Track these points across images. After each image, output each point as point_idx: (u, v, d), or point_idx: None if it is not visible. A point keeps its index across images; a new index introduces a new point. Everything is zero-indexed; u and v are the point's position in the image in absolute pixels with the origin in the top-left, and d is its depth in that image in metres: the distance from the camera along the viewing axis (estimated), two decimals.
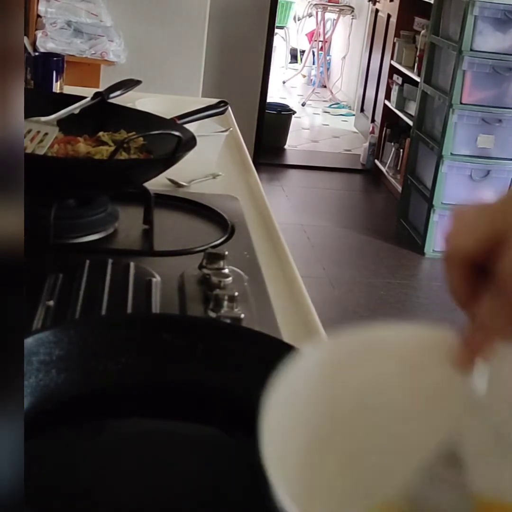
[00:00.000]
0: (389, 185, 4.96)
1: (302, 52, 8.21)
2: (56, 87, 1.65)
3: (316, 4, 7.33)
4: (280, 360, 0.69)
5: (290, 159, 5.48)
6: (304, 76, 7.97)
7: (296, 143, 5.81)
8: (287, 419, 0.48)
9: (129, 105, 1.35)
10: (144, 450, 0.65)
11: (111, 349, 0.69)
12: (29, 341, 0.65)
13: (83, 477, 0.61)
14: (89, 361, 0.68)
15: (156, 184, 1.19)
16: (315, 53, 7.66)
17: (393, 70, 5.01)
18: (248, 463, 0.65)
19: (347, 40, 7.20)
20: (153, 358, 0.70)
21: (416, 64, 4.56)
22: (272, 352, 0.70)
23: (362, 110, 6.02)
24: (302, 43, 8.23)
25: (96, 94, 1.27)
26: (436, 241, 3.95)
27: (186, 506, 0.60)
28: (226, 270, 0.96)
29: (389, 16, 5.33)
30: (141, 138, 1.18)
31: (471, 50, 3.68)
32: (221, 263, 0.98)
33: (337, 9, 7.20)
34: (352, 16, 7.07)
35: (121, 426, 0.68)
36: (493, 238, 0.46)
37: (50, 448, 0.63)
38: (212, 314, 0.87)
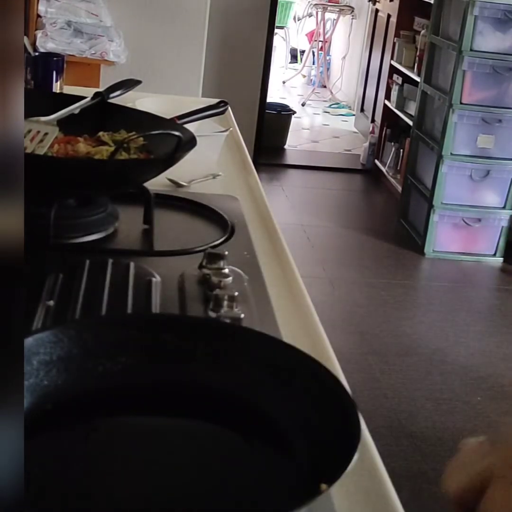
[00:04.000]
0: (389, 185, 4.96)
1: (302, 52, 8.21)
2: (56, 87, 1.65)
3: (316, 4, 7.33)
4: (280, 360, 0.69)
5: (290, 159, 5.48)
6: (304, 76, 7.97)
7: (296, 143, 5.81)
8: None
9: (129, 105, 1.35)
10: (144, 450, 0.65)
11: (111, 349, 0.69)
12: (29, 341, 0.65)
13: (83, 477, 0.61)
14: (89, 361, 0.68)
15: (156, 184, 1.19)
16: (315, 53, 7.66)
17: (393, 70, 5.01)
18: (248, 461, 0.65)
19: (347, 40, 7.20)
20: (153, 358, 0.70)
21: (416, 64, 4.56)
22: (272, 352, 0.70)
23: (362, 110, 6.02)
24: (302, 43, 8.23)
25: (96, 94, 1.27)
26: (436, 241, 3.95)
27: (187, 505, 0.60)
28: (226, 270, 0.96)
29: (389, 16, 5.33)
30: (141, 138, 1.17)
31: (471, 50, 3.68)
32: (221, 263, 0.98)
33: (337, 9, 7.20)
34: (352, 16, 7.07)
35: (121, 426, 0.68)
36: (482, 479, 0.52)
37: (50, 448, 0.63)
38: (212, 314, 0.87)
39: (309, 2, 7.60)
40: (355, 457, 0.56)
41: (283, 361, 0.69)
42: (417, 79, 4.33)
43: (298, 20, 8.16)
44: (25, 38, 2.26)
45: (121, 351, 0.70)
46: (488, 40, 3.69)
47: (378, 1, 5.71)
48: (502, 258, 3.97)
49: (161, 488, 0.60)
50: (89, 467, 0.62)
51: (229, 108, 1.45)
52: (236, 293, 0.89)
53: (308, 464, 0.62)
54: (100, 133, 1.21)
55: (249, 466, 0.64)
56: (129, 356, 0.70)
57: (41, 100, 1.23)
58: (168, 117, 1.24)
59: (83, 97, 1.26)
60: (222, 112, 1.35)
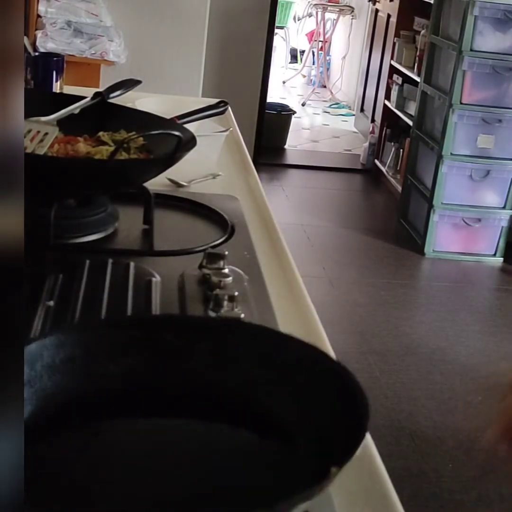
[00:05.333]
0: (389, 185, 4.96)
1: (302, 52, 8.21)
2: (56, 87, 1.65)
3: (316, 4, 7.33)
4: (281, 353, 0.69)
5: (290, 159, 5.47)
6: (304, 76, 7.97)
7: (296, 143, 5.81)
8: None
9: (129, 105, 1.35)
10: (149, 450, 0.65)
11: (113, 351, 0.69)
12: (32, 347, 0.65)
13: (85, 480, 0.61)
14: (92, 363, 0.68)
15: (156, 184, 1.19)
16: (315, 53, 7.66)
17: (393, 70, 5.01)
18: (255, 454, 0.64)
19: (347, 40, 7.20)
20: (155, 359, 0.70)
21: (416, 64, 4.56)
22: (273, 345, 0.70)
23: (362, 110, 6.02)
24: (302, 43, 8.22)
25: (96, 94, 1.27)
26: (436, 241, 3.95)
27: (189, 506, 0.60)
28: (226, 270, 0.96)
29: (389, 16, 5.33)
30: (141, 138, 1.17)
31: (471, 50, 3.68)
32: (221, 263, 0.98)
33: (337, 9, 7.20)
34: (352, 16, 7.07)
35: (125, 426, 0.68)
36: None
37: (53, 451, 0.63)
38: (212, 314, 0.87)
39: (309, 2, 7.60)
40: (365, 437, 0.55)
41: (282, 350, 0.69)
42: (417, 79, 4.33)
43: (298, 20, 8.16)
44: (25, 38, 2.26)
45: (124, 353, 0.70)
46: (488, 40, 3.69)
47: (378, 1, 5.70)
48: (502, 258, 3.97)
49: (163, 488, 0.59)
50: (92, 470, 0.62)
51: (229, 108, 1.45)
52: (236, 293, 0.89)
53: (316, 449, 0.61)
54: (100, 133, 1.21)
55: (256, 459, 0.64)
56: (132, 357, 0.70)
57: (41, 100, 1.23)
58: (168, 117, 1.24)
59: (83, 97, 1.26)
60: (222, 112, 1.35)
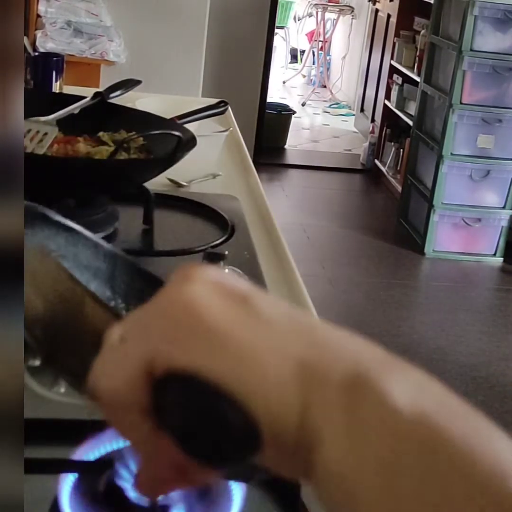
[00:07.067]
0: (389, 185, 4.96)
1: (302, 52, 8.21)
2: (56, 87, 1.65)
3: (316, 4, 7.33)
4: None
5: (290, 159, 5.48)
6: (304, 76, 7.97)
7: (296, 143, 5.81)
8: None
9: (129, 105, 1.35)
10: None
11: None
12: None
13: None
14: None
15: (156, 184, 1.19)
16: (315, 53, 7.66)
17: (393, 70, 5.01)
18: None
19: (347, 40, 7.20)
20: None
21: (416, 64, 4.56)
22: None
23: (362, 110, 6.02)
24: (302, 43, 8.22)
25: (96, 94, 1.27)
26: (436, 241, 3.95)
27: None
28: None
29: (389, 16, 5.33)
30: (141, 138, 1.18)
31: (471, 50, 3.68)
32: (221, 263, 0.98)
33: (337, 9, 7.20)
34: (352, 16, 7.07)
35: None
36: None
37: None
38: None
39: (309, 2, 7.60)
40: None
41: None
42: (417, 79, 4.33)
43: (298, 20, 8.16)
44: (25, 38, 2.26)
45: None
46: (488, 40, 3.69)
47: (378, 1, 5.70)
48: (502, 258, 3.97)
49: None
50: None
51: (229, 108, 1.45)
52: None
53: None
54: (100, 133, 1.21)
55: None
56: None
57: (41, 100, 1.23)
58: (168, 117, 1.24)
59: (83, 97, 1.26)
60: (222, 112, 1.35)
